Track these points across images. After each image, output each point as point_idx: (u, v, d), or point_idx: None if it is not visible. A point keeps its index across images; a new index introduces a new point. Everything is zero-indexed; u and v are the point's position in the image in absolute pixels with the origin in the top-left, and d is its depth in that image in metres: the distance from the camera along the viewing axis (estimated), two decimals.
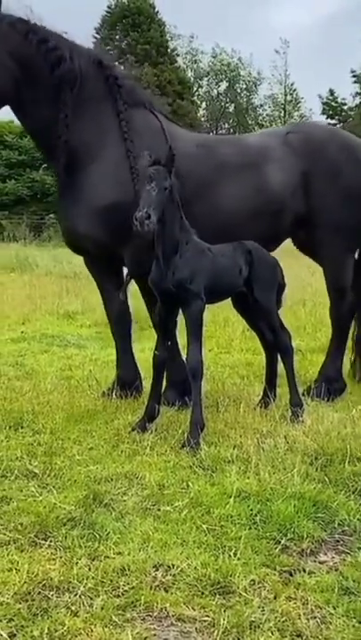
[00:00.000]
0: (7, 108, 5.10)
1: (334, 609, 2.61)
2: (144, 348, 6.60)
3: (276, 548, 3.05)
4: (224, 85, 60.20)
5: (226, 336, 8.03)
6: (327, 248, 5.65)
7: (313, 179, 5.48)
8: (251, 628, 2.47)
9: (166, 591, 2.69)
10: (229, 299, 5.13)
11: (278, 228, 5.46)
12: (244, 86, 60.17)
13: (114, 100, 5.11)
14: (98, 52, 5.55)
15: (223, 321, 8.10)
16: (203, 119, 51.65)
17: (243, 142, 5.68)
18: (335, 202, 5.52)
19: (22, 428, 4.64)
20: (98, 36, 48.73)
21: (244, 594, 2.67)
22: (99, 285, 5.59)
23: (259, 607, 2.59)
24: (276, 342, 5.10)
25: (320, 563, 3.00)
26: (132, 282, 5.25)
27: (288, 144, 5.55)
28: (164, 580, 2.76)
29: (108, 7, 48.71)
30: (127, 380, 5.39)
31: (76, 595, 2.64)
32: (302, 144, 5.57)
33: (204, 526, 3.19)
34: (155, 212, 4.15)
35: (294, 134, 5.69)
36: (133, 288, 5.33)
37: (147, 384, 5.05)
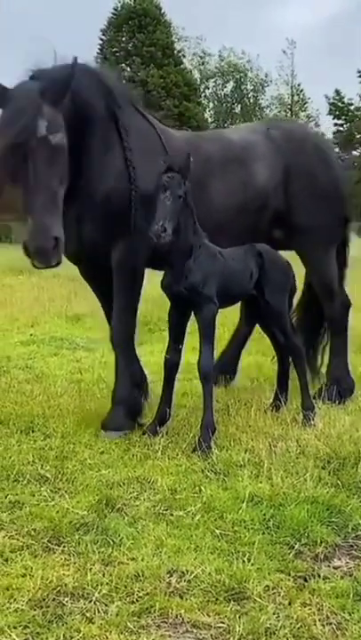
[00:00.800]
0: None
1: (350, 615, 2.60)
2: (153, 350, 6.61)
3: (290, 554, 3.04)
4: (231, 86, 60.24)
5: None
6: (306, 247, 5.66)
7: (292, 176, 5.50)
8: (266, 635, 2.46)
9: (181, 597, 2.68)
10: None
11: (259, 225, 5.42)
12: (252, 87, 60.19)
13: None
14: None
15: (232, 324, 8.06)
16: (210, 120, 51.63)
17: (227, 138, 5.61)
18: (311, 201, 5.53)
19: (33, 431, 4.64)
20: (104, 38, 48.88)
21: (258, 600, 2.66)
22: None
23: (274, 613, 2.58)
24: (287, 345, 5.09)
25: (334, 568, 2.99)
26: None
27: (271, 140, 5.56)
28: (178, 585, 2.76)
29: (115, 9, 48.89)
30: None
31: (90, 601, 2.63)
32: (284, 141, 5.59)
33: (218, 531, 3.18)
34: (170, 223, 4.13)
35: (276, 130, 5.71)
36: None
37: (157, 387, 5.04)
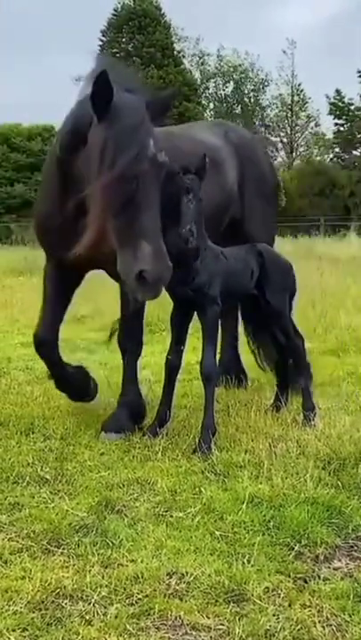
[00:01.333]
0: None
1: (350, 616, 2.59)
2: (154, 351, 6.60)
3: (290, 555, 3.03)
4: (231, 87, 60.21)
5: None
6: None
7: (246, 183, 5.53)
8: (266, 637, 2.45)
9: (180, 599, 2.67)
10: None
11: (219, 230, 5.33)
12: (252, 87, 60.16)
13: None
14: None
15: None
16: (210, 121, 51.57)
17: (197, 138, 5.50)
18: (261, 209, 5.61)
19: (33, 433, 4.64)
20: (104, 39, 48.92)
21: (258, 602, 2.65)
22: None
23: (273, 615, 2.57)
24: (288, 345, 5.08)
25: (335, 569, 2.98)
26: None
27: (229, 143, 5.56)
28: (177, 587, 2.75)
29: (115, 10, 48.91)
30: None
31: (89, 603, 2.62)
32: (240, 146, 5.60)
33: (218, 533, 3.17)
34: (196, 226, 4.10)
35: (233, 134, 5.73)
36: None
37: (157, 387, 5.03)
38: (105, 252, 3.98)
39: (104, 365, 6.88)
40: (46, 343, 4.87)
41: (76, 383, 5.07)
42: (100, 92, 3.84)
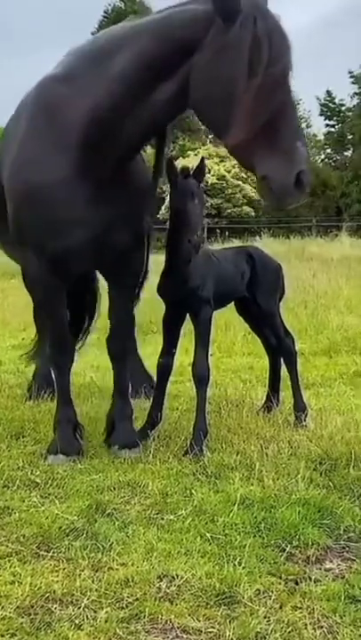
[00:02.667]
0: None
1: (341, 618, 2.57)
2: (146, 353, 6.57)
3: (281, 556, 3.02)
4: None
5: (228, 340, 8.00)
6: None
7: None
8: (257, 639, 2.43)
9: (171, 602, 2.65)
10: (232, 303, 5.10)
11: None
12: None
13: None
14: None
15: (224, 325, 8.06)
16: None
17: None
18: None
19: (24, 437, 4.62)
20: None
21: (249, 604, 2.64)
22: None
23: (264, 617, 2.55)
24: (279, 346, 5.07)
25: (326, 570, 2.96)
26: None
27: None
28: (168, 590, 2.73)
29: (105, 12, 48.88)
30: None
31: (79, 607, 2.60)
32: None
33: (208, 535, 3.15)
34: (202, 230, 4.10)
35: None
36: None
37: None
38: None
39: (95, 368, 6.87)
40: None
41: None
42: None
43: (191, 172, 4.22)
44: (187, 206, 4.10)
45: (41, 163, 4.02)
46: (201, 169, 4.24)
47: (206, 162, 4.32)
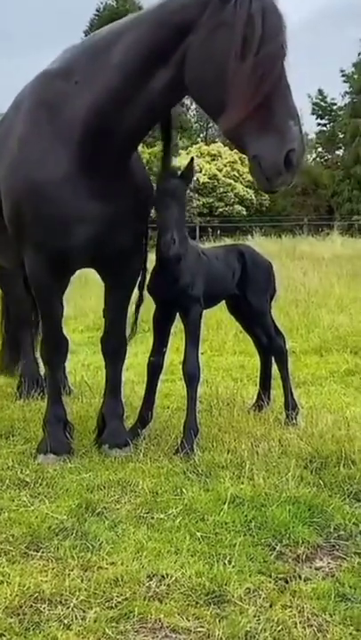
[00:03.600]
0: None
1: (331, 616, 2.57)
2: (137, 352, 6.56)
3: (271, 555, 3.01)
4: None
5: (219, 339, 7.99)
6: None
7: None
8: (246, 639, 2.43)
9: (160, 602, 2.65)
10: (223, 302, 5.10)
11: None
12: None
13: None
14: None
15: (216, 323, 8.06)
16: (193, 120, 51.57)
17: None
18: None
19: (13, 436, 4.60)
20: None
21: (239, 603, 2.63)
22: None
23: (254, 616, 2.55)
24: (270, 345, 5.07)
25: (316, 569, 2.96)
26: None
27: None
28: (158, 590, 2.72)
29: (97, 10, 48.78)
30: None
31: (68, 607, 2.59)
32: None
33: (199, 534, 3.15)
34: (178, 234, 4.02)
35: None
36: None
37: (140, 388, 5.00)
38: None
39: (87, 367, 6.85)
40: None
41: None
42: None
43: (179, 173, 4.20)
44: (162, 207, 4.07)
45: (41, 160, 3.99)
46: (190, 170, 4.23)
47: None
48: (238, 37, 3.53)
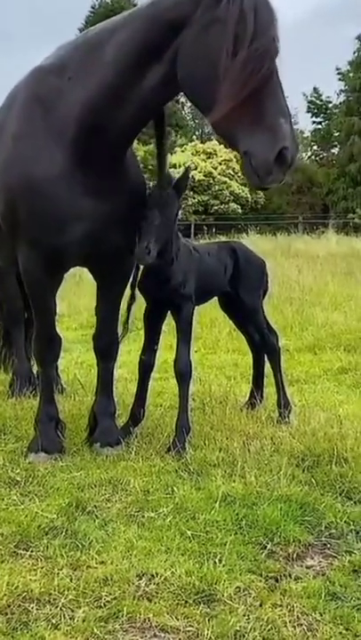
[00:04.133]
0: None
1: (321, 615, 2.56)
2: (130, 350, 6.54)
3: (262, 554, 3.00)
4: None
5: (212, 337, 7.97)
6: None
7: None
8: (236, 638, 2.42)
9: (150, 601, 2.63)
10: (216, 300, 5.08)
11: None
12: None
13: None
14: None
15: (210, 321, 8.05)
16: (188, 118, 51.55)
17: None
18: None
19: (5, 434, 4.56)
20: None
21: (229, 602, 2.62)
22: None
23: (244, 615, 2.54)
24: (263, 343, 5.05)
25: (307, 567, 2.96)
26: None
27: None
28: (147, 589, 2.71)
29: (92, 7, 48.71)
30: None
31: (57, 607, 2.58)
32: None
33: (189, 532, 3.13)
34: (156, 244, 3.94)
35: None
36: None
37: (132, 386, 4.98)
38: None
39: (80, 365, 6.83)
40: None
41: None
42: None
43: (173, 183, 4.15)
44: (146, 215, 4.01)
45: (35, 156, 3.95)
46: (184, 179, 4.19)
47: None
48: (230, 34, 3.49)
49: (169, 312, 4.51)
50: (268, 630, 2.46)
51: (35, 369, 5.47)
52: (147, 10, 3.83)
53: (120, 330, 4.69)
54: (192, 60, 3.64)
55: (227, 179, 36.38)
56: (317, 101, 47.48)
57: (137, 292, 4.57)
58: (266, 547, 3.06)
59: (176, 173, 4.23)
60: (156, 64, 3.74)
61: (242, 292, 4.85)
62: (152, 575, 2.78)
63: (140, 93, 3.79)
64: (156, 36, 3.71)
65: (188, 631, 2.46)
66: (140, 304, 4.64)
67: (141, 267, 4.41)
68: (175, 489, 3.62)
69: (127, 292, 4.61)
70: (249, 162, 3.54)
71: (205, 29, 3.59)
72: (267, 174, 3.55)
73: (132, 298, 4.66)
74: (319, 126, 47.94)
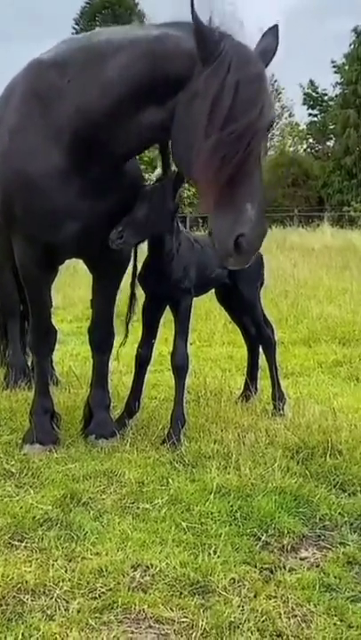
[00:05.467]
0: None
1: (315, 607, 2.58)
2: (127, 341, 6.53)
3: (256, 545, 3.01)
4: None
5: (208, 329, 7.97)
6: None
7: None
8: (230, 629, 2.43)
9: (144, 592, 2.64)
10: (212, 292, 5.07)
11: None
12: None
13: None
14: None
15: (205, 314, 8.04)
16: None
17: None
18: None
19: (0, 426, 4.56)
20: (77, 27, 48.43)
21: (223, 593, 2.63)
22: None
23: (238, 607, 2.55)
24: (259, 335, 5.06)
25: (301, 559, 2.97)
26: None
27: None
28: (142, 580, 2.71)
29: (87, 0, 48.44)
30: None
31: (51, 598, 2.58)
32: None
33: (184, 524, 3.14)
34: (134, 235, 3.94)
35: None
36: None
37: (127, 379, 4.98)
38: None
39: (75, 357, 6.82)
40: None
41: None
42: (206, 30, 3.35)
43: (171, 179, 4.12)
44: (135, 205, 3.99)
45: (33, 152, 3.90)
46: (180, 177, 4.17)
47: None
48: (205, 113, 3.35)
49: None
50: (263, 621, 2.46)
51: (30, 361, 5.47)
52: (152, 49, 3.62)
53: (119, 329, 4.70)
54: (178, 126, 3.55)
55: None
56: (313, 94, 47.43)
57: (137, 291, 4.57)
58: (260, 538, 3.07)
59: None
60: (154, 106, 3.64)
61: (241, 285, 4.84)
62: (147, 566, 2.79)
63: (136, 126, 3.70)
64: (157, 84, 3.58)
65: (183, 622, 2.46)
66: (139, 297, 4.64)
67: (141, 262, 4.42)
68: (170, 481, 3.62)
69: (127, 292, 4.60)
70: (212, 242, 3.58)
71: (191, 100, 3.47)
72: (225, 258, 3.54)
73: (133, 296, 4.66)
74: (315, 119, 47.93)
